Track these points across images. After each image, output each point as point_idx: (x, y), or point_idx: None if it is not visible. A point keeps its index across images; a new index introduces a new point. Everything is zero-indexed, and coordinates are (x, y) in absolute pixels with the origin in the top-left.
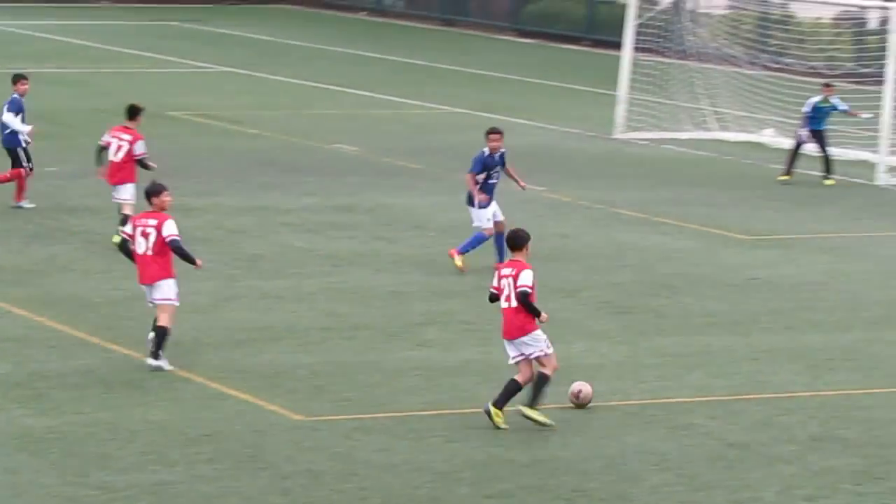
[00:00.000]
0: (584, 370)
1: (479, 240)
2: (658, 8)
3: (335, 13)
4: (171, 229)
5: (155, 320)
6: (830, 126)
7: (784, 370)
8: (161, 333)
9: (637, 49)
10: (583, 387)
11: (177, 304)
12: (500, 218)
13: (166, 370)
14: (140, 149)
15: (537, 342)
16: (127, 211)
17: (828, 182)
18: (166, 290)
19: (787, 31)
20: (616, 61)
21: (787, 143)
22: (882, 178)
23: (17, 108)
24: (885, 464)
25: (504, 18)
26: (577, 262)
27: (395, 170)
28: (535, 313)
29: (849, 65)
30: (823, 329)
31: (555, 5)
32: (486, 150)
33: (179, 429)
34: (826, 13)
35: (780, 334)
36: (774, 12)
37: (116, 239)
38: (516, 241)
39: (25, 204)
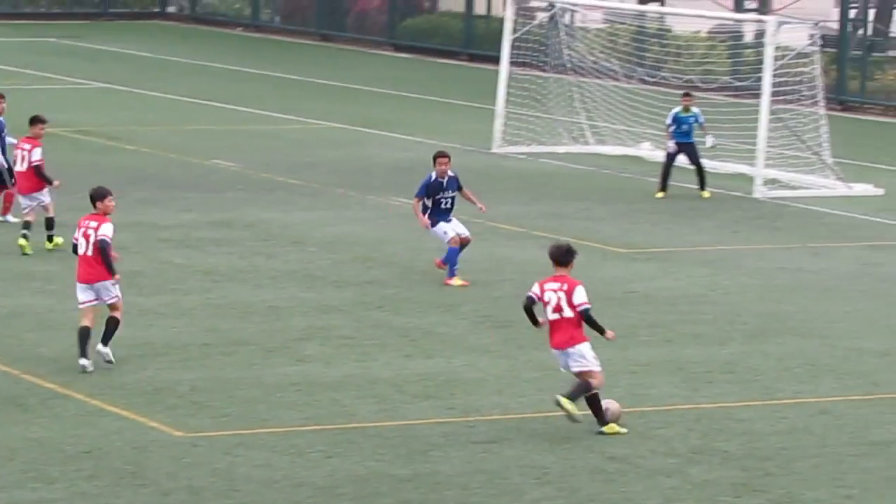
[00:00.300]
0: (464, 385)
1: (452, 254)
2: (534, 22)
3: (212, 29)
4: (106, 231)
5: (108, 319)
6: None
7: (663, 383)
8: (114, 324)
9: (514, 63)
10: (609, 405)
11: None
12: (465, 233)
13: (111, 359)
14: (36, 156)
15: (584, 357)
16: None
17: (704, 194)
18: (111, 288)
19: (663, 44)
20: (493, 76)
21: (664, 156)
22: (759, 191)
23: None
24: (764, 476)
25: (380, 33)
26: (457, 276)
27: (274, 185)
28: (601, 330)
29: (725, 78)
30: (702, 342)
31: (431, 20)
32: (433, 175)
33: (59, 446)
34: (702, 27)
35: (659, 347)
36: (651, 26)
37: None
38: (566, 257)
39: (10, 218)
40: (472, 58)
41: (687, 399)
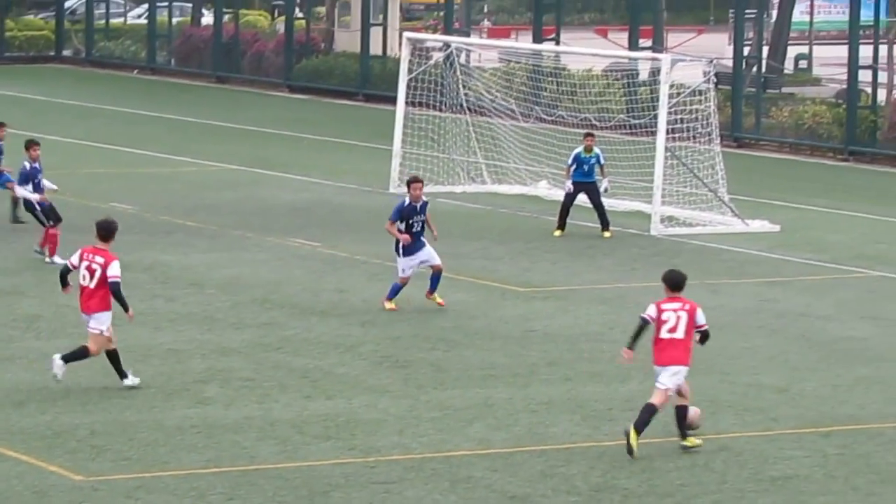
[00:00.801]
0: (365, 425)
1: (395, 288)
2: (430, 62)
3: (109, 72)
4: (115, 271)
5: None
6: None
7: (564, 421)
8: (83, 352)
9: (411, 103)
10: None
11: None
12: (436, 262)
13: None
14: None
15: (682, 375)
16: None
17: (606, 235)
18: (102, 323)
19: (559, 83)
20: (390, 116)
21: (562, 194)
22: (656, 229)
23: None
24: None
25: (277, 75)
26: (356, 317)
27: (172, 227)
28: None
29: (621, 116)
30: (602, 380)
31: (327, 61)
32: (407, 200)
33: None
34: (597, 65)
35: (559, 385)
36: (546, 65)
37: None
38: (680, 283)
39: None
40: (369, 98)
41: (588, 437)
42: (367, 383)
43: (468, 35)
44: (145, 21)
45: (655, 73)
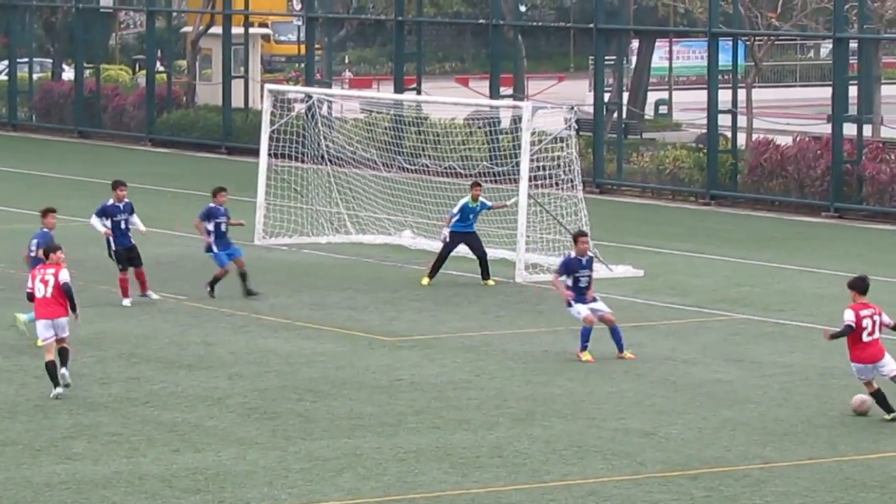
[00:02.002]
0: (234, 477)
1: (585, 332)
2: (292, 114)
3: None
4: (66, 276)
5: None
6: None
7: (433, 469)
8: (66, 353)
9: (273, 155)
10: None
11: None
12: (606, 311)
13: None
14: None
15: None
16: None
17: (489, 283)
18: (66, 326)
19: (421, 132)
20: (253, 168)
21: (427, 243)
22: (521, 275)
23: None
24: None
25: (138, 129)
26: (222, 369)
27: None
28: None
29: (484, 163)
30: (470, 427)
31: (189, 114)
32: (573, 253)
33: None
34: (459, 114)
35: (427, 434)
36: (408, 114)
37: None
38: (868, 287)
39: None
40: (231, 151)
41: (457, 484)
42: (235, 435)
43: (330, 86)
44: (5, 77)
45: (517, 120)
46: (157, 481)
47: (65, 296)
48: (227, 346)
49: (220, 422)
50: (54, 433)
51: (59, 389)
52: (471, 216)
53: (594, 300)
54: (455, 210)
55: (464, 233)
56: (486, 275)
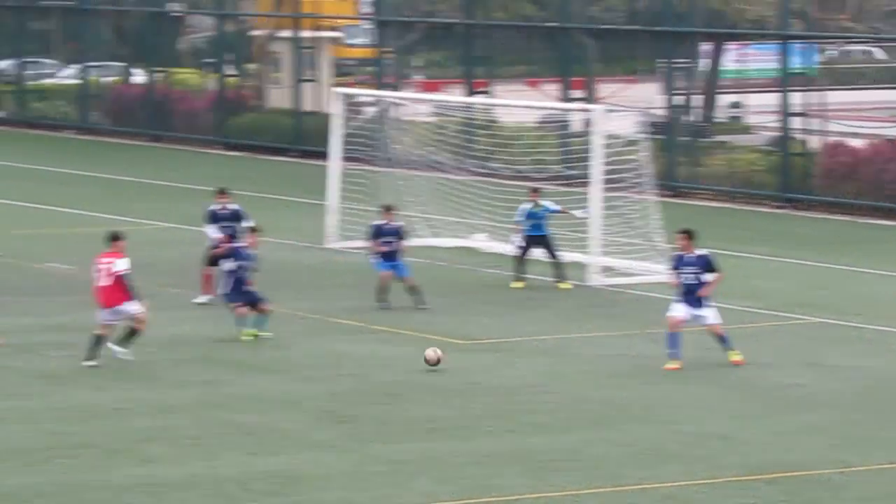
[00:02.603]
0: (310, 480)
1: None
2: (363, 117)
3: (42, 132)
4: (123, 265)
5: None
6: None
7: (509, 472)
8: (134, 332)
9: (345, 158)
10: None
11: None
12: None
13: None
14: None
15: None
16: None
17: (563, 286)
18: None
19: (491, 135)
20: (324, 171)
21: (500, 246)
22: (594, 279)
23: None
24: None
25: (210, 132)
26: (298, 372)
27: None
28: None
29: (555, 167)
30: (546, 430)
31: (261, 118)
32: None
33: None
34: (529, 117)
35: (503, 437)
36: (478, 118)
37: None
38: None
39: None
40: (303, 154)
41: (533, 488)
42: (311, 438)
43: (400, 89)
44: (77, 81)
45: (588, 124)
46: (234, 484)
47: (123, 285)
48: (301, 348)
49: (296, 425)
50: (131, 436)
51: (93, 363)
52: (538, 220)
53: (699, 304)
54: (520, 217)
55: (536, 236)
56: (561, 278)
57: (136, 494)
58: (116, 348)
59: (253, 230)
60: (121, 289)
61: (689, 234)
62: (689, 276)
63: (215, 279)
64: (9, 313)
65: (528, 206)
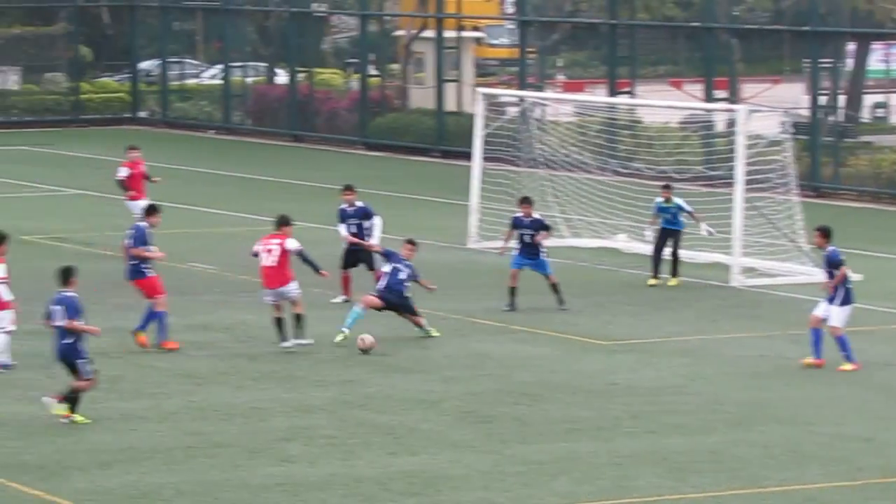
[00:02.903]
0: (449, 481)
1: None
2: (505, 118)
3: (184, 132)
4: (294, 243)
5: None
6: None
7: (648, 473)
8: (299, 318)
9: (487, 159)
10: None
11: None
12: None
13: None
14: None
15: None
16: None
17: (672, 282)
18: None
19: (634, 136)
20: (466, 171)
21: (641, 247)
22: (737, 280)
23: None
24: None
25: (352, 132)
26: (438, 373)
27: (252, 286)
28: None
29: (698, 168)
30: (686, 431)
31: (402, 118)
32: None
33: None
34: (672, 117)
35: (643, 438)
36: (621, 118)
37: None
38: None
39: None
40: (445, 154)
41: (673, 489)
42: (450, 439)
43: (542, 89)
44: (220, 81)
45: (732, 124)
46: (373, 484)
47: (302, 259)
48: (441, 349)
49: (436, 425)
50: (270, 435)
51: (289, 343)
52: (669, 215)
53: (830, 300)
54: (654, 210)
55: (671, 230)
56: (673, 273)
57: (274, 494)
58: (301, 341)
59: (410, 243)
60: (285, 270)
61: (823, 232)
62: (826, 274)
63: (352, 280)
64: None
65: (660, 200)
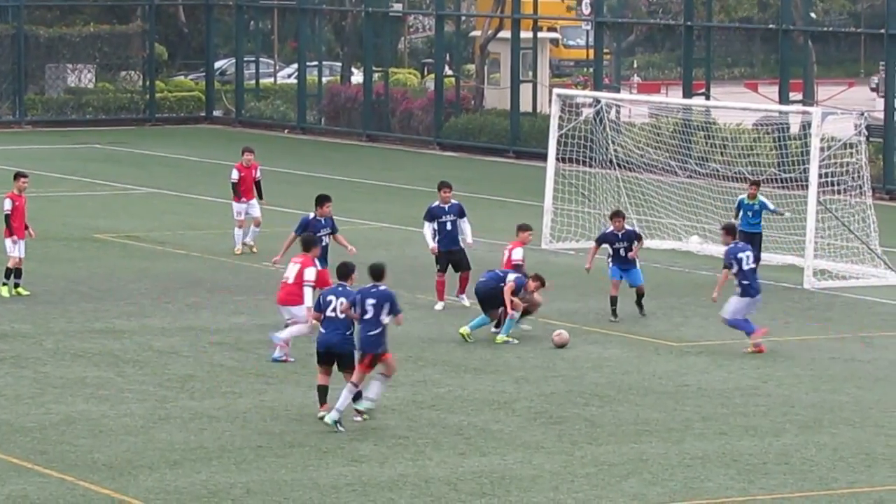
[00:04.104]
0: (519, 481)
1: None
2: (580, 119)
3: (258, 131)
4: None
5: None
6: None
7: (718, 475)
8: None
9: (561, 160)
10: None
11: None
12: None
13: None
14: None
15: None
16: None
17: None
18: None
19: (709, 137)
20: (540, 172)
21: (714, 249)
22: (809, 282)
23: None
24: None
25: (426, 133)
26: (509, 374)
27: None
28: None
29: (772, 169)
30: (757, 433)
31: (477, 119)
32: None
33: None
34: (747, 119)
35: (714, 440)
36: (696, 119)
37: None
38: None
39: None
40: (519, 155)
41: (743, 491)
42: (521, 439)
43: (618, 91)
44: (294, 81)
45: (806, 126)
46: (443, 484)
47: (302, 288)
48: (513, 350)
49: (506, 426)
50: (341, 436)
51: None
52: (750, 213)
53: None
54: (736, 208)
55: (749, 233)
56: None
57: (344, 493)
58: (523, 326)
59: (538, 280)
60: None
61: (728, 230)
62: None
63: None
64: (223, 312)
65: (743, 196)
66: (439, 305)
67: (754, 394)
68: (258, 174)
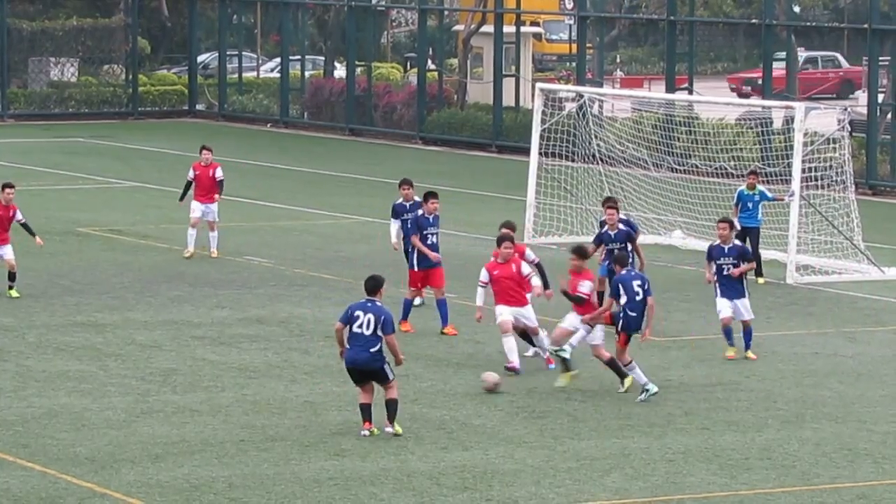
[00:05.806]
0: (501, 476)
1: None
2: (563, 113)
3: (241, 125)
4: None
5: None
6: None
7: (701, 470)
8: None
9: (544, 154)
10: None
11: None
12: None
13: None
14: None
15: None
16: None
17: (759, 281)
18: None
19: (691, 132)
20: (523, 167)
21: (696, 244)
22: (792, 277)
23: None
24: None
25: (409, 127)
26: (492, 368)
27: (307, 280)
28: None
29: (755, 164)
30: (739, 428)
31: (459, 113)
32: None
33: None
34: (730, 114)
35: (696, 435)
36: (679, 114)
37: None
38: None
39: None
40: (501, 149)
41: (725, 486)
42: (503, 434)
43: (601, 85)
44: (277, 75)
45: (789, 121)
46: (425, 478)
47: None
48: (495, 344)
49: (488, 420)
50: (323, 430)
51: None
52: (749, 205)
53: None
54: (735, 199)
55: (747, 227)
56: (758, 273)
57: (326, 487)
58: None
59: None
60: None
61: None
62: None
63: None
64: (205, 305)
65: (742, 187)
66: (417, 301)
67: (737, 389)
68: (219, 173)
